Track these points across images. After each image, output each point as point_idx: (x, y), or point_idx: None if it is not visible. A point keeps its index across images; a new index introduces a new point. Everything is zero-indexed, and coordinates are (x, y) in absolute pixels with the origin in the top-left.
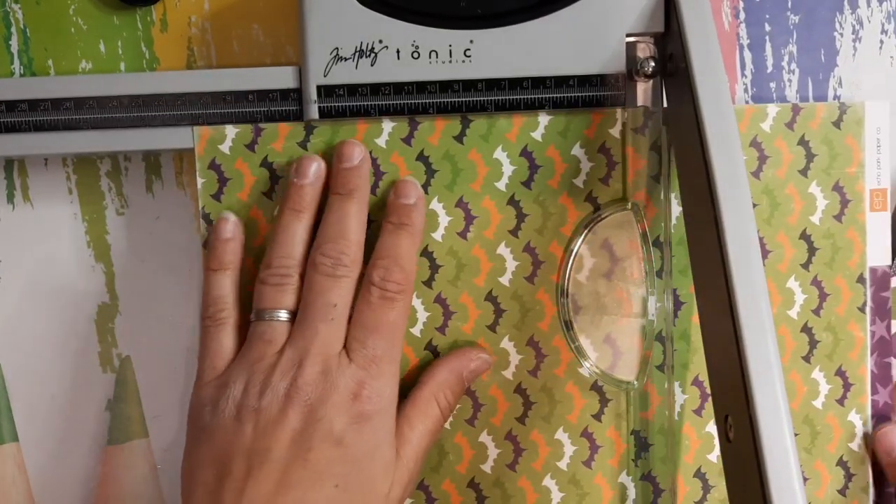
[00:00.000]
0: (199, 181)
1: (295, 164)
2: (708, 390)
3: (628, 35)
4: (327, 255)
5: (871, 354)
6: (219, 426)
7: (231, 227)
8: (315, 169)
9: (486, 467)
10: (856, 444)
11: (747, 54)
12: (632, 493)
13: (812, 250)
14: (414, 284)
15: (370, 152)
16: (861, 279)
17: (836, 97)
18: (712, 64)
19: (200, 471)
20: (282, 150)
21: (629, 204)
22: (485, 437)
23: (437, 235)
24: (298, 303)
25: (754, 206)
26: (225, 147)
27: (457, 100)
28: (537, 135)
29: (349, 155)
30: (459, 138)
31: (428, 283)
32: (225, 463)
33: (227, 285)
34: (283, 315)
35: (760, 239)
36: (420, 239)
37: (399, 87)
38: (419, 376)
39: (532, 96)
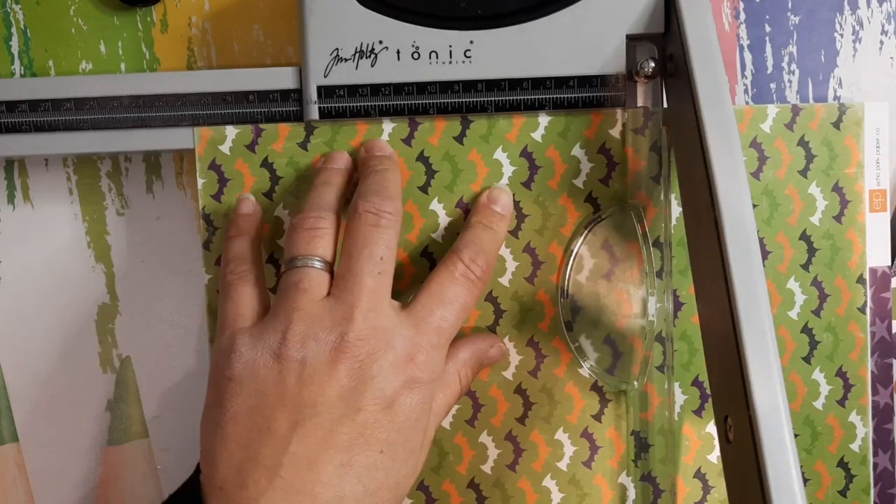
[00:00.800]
0: (200, 181)
1: (326, 155)
2: (708, 391)
3: (628, 36)
4: (370, 208)
5: (872, 355)
6: (254, 376)
7: (251, 205)
8: (346, 159)
9: (487, 468)
10: (856, 445)
11: (747, 55)
12: (632, 493)
13: (812, 251)
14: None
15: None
16: (861, 280)
17: (837, 98)
18: (712, 64)
19: (231, 425)
20: (282, 150)
21: (629, 205)
22: (485, 438)
23: (437, 236)
24: (333, 255)
25: (754, 206)
26: (225, 147)
27: (457, 100)
28: (537, 135)
29: (380, 146)
30: (459, 139)
31: None
32: (264, 415)
33: (245, 246)
34: (318, 263)
35: (760, 240)
36: (500, 246)
37: (399, 88)
38: None
39: (532, 97)
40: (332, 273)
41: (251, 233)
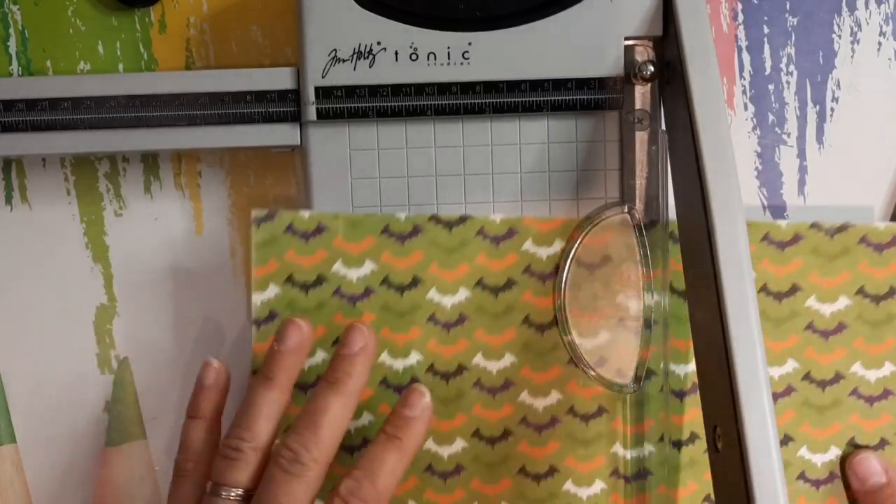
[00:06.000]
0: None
1: (280, 326)
2: None
3: (627, 38)
4: (289, 447)
5: None
6: None
7: (213, 375)
8: (296, 336)
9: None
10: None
11: (745, 56)
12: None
13: None
14: (387, 502)
15: None
16: None
17: (835, 99)
18: (708, 70)
19: None
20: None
21: (626, 207)
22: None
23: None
24: (257, 481)
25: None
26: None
27: (455, 102)
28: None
29: (350, 341)
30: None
31: None
32: None
33: (197, 434)
34: (237, 493)
35: None
36: (410, 457)
37: (397, 89)
38: None
39: (530, 99)
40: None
41: (207, 414)
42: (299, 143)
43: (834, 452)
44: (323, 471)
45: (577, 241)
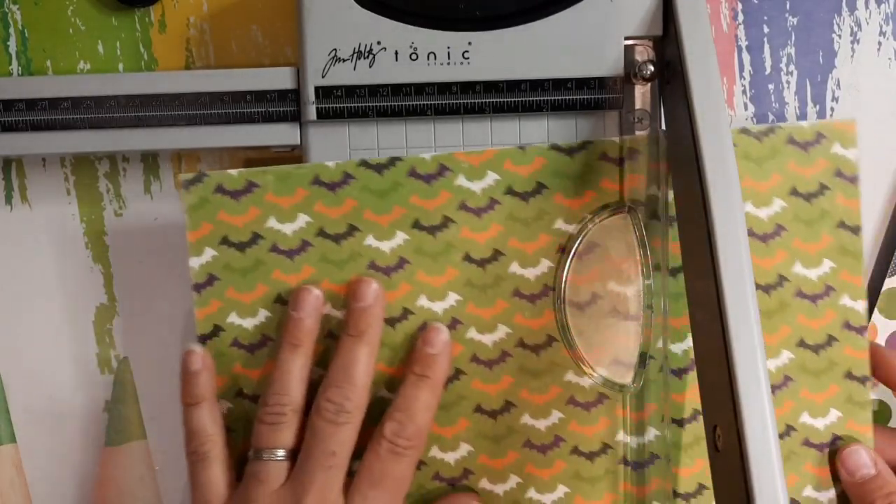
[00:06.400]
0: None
1: (292, 295)
2: None
3: (627, 38)
4: (331, 399)
5: None
6: None
7: (198, 360)
8: (312, 300)
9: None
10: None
11: (745, 56)
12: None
13: None
14: (426, 437)
15: None
16: None
17: (835, 99)
18: (708, 71)
19: None
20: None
21: (626, 206)
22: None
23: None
24: (298, 440)
25: None
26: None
27: (455, 102)
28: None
29: (363, 294)
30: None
31: None
32: None
33: (203, 417)
34: (280, 454)
35: None
36: (440, 392)
37: (397, 89)
38: None
39: (530, 99)
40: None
41: (205, 397)
42: (299, 142)
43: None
44: (362, 417)
45: (578, 241)
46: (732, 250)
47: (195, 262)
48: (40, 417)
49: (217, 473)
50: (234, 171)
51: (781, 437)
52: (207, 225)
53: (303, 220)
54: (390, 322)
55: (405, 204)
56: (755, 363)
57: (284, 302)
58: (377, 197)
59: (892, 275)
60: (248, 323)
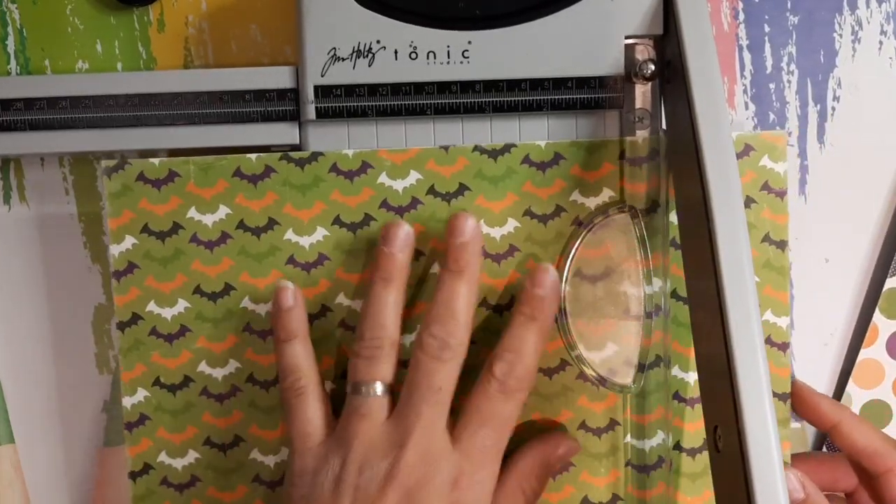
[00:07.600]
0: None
1: (383, 230)
2: None
3: (627, 37)
4: (435, 335)
5: None
6: (317, 497)
7: (291, 296)
8: (403, 236)
9: None
10: None
11: (746, 55)
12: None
13: None
14: (535, 380)
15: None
16: None
17: (836, 98)
18: (709, 68)
19: None
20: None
21: (627, 206)
22: None
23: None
24: (394, 373)
25: None
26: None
27: (454, 101)
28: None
29: (461, 229)
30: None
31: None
32: None
33: (298, 353)
34: (379, 388)
35: None
36: (548, 333)
37: (397, 88)
38: (504, 464)
39: (530, 98)
40: (393, 392)
41: (299, 332)
42: (298, 142)
43: None
44: (465, 354)
45: (578, 241)
46: (733, 250)
47: (115, 250)
48: (39, 417)
49: (315, 408)
50: (155, 160)
51: (699, 451)
52: (129, 213)
53: (223, 211)
54: (310, 319)
55: (326, 200)
56: (756, 363)
57: (203, 293)
58: (298, 191)
59: (893, 275)
60: (167, 313)
